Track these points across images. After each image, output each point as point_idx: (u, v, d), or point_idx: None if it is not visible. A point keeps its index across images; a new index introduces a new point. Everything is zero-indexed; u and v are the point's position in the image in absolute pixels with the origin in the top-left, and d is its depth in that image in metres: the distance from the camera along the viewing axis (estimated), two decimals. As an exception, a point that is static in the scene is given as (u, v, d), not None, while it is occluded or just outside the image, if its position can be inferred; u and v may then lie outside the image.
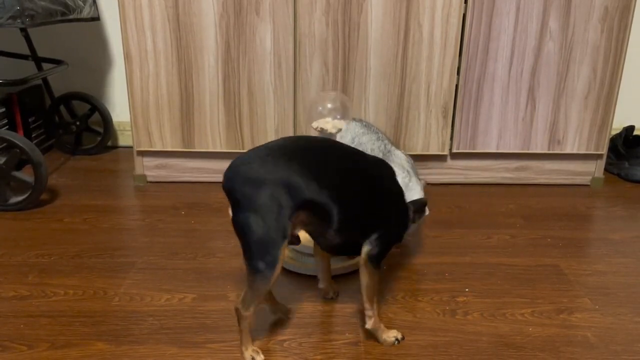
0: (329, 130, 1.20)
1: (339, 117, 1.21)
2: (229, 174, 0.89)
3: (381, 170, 1.02)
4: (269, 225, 0.86)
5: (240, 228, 0.88)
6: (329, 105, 1.22)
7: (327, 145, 0.97)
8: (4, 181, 1.51)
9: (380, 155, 1.39)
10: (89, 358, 0.96)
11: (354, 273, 1.24)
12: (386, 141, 1.43)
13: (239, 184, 0.87)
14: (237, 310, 0.93)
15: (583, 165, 1.76)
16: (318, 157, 0.93)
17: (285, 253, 0.89)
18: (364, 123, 1.47)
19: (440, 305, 1.13)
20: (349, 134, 1.45)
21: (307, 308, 1.11)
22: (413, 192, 1.33)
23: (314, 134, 1.25)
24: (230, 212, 0.89)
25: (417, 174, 1.40)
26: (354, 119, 1.49)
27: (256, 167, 0.87)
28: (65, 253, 1.32)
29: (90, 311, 1.10)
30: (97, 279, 1.21)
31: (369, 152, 1.39)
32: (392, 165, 1.35)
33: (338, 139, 1.41)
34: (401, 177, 1.33)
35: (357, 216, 0.94)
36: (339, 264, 1.23)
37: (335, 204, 0.90)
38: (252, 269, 0.88)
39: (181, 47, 1.60)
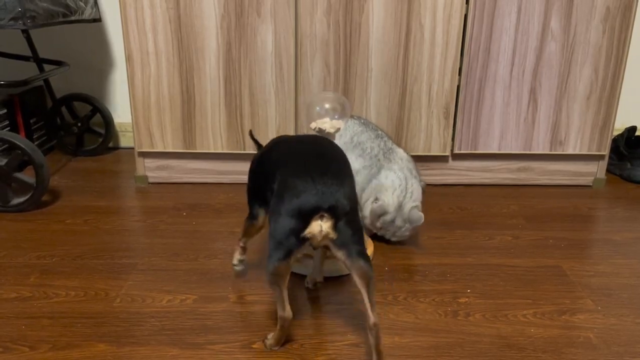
0: (327, 130, 1.20)
1: (336, 117, 1.21)
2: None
3: None
4: None
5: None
6: (327, 105, 1.22)
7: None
8: (6, 182, 1.52)
9: (380, 154, 1.39)
10: (91, 359, 0.96)
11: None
12: (385, 138, 1.44)
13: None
14: (376, 325, 0.93)
15: (585, 166, 1.76)
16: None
17: None
18: (362, 121, 1.48)
19: (442, 307, 1.13)
20: (348, 133, 1.45)
21: (308, 309, 1.11)
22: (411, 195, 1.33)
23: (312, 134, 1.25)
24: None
25: (418, 174, 1.40)
26: (352, 117, 1.49)
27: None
28: (67, 254, 1.32)
29: (91, 312, 1.09)
30: (99, 280, 1.21)
31: (367, 150, 1.40)
32: (392, 164, 1.36)
33: (337, 138, 1.41)
34: (396, 178, 1.34)
35: None
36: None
37: None
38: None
39: (182, 48, 1.60)
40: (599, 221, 1.54)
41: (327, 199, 0.88)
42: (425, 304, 1.14)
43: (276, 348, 0.99)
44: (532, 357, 0.98)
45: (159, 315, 1.09)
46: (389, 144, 1.42)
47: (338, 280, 1.21)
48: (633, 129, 1.91)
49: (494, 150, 1.71)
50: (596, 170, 1.76)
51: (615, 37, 1.59)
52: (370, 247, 1.31)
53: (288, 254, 0.90)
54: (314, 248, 0.93)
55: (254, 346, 1.00)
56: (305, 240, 0.89)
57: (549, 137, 1.69)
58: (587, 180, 1.78)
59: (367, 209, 1.33)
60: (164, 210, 1.57)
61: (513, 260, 1.31)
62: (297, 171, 0.92)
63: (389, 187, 1.32)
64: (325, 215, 0.88)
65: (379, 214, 1.30)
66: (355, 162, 1.40)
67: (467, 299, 1.15)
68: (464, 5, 1.56)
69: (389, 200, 1.30)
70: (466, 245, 1.39)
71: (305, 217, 0.88)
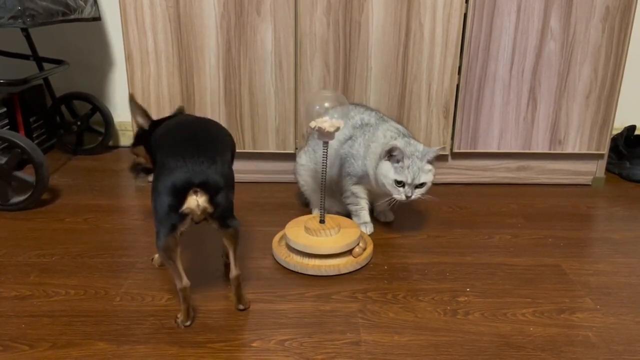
0: (326, 129, 1.20)
1: (336, 116, 1.22)
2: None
3: None
4: None
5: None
6: (326, 104, 1.22)
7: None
8: (6, 181, 1.52)
9: (372, 120, 1.42)
10: (91, 358, 0.97)
11: (355, 272, 1.24)
12: (375, 111, 1.45)
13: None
14: (238, 276, 1.09)
15: (584, 165, 1.76)
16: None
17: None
18: (355, 104, 1.49)
19: (442, 305, 1.13)
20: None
21: (308, 308, 1.11)
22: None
23: (312, 133, 1.26)
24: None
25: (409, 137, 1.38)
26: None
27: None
28: (67, 253, 1.32)
29: (91, 311, 1.10)
30: (99, 279, 1.21)
31: (357, 121, 1.42)
32: (386, 124, 1.39)
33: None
34: (393, 132, 1.35)
35: None
36: (340, 261, 1.23)
37: None
38: None
39: (182, 47, 1.60)
40: (598, 220, 1.54)
41: (198, 176, 0.96)
42: (425, 303, 1.14)
43: (188, 323, 1.05)
44: (531, 356, 0.98)
45: (159, 314, 1.09)
46: (379, 114, 1.44)
47: (338, 280, 1.21)
48: (632, 128, 1.91)
49: (493, 149, 1.71)
50: (595, 169, 1.76)
51: (614, 37, 1.60)
52: (370, 246, 1.31)
53: (173, 229, 0.97)
54: (196, 223, 1.00)
55: (253, 345, 1.00)
56: (185, 215, 0.97)
57: (548, 136, 1.69)
58: (586, 179, 1.78)
59: (382, 168, 1.31)
60: (163, 209, 1.57)
61: (512, 259, 1.32)
62: (171, 152, 1.00)
63: (390, 137, 1.34)
64: (199, 190, 0.96)
65: (396, 154, 1.28)
66: (344, 131, 1.42)
67: (466, 298, 1.16)
68: (464, 4, 1.56)
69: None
70: (465, 244, 1.39)
71: (179, 193, 0.96)
